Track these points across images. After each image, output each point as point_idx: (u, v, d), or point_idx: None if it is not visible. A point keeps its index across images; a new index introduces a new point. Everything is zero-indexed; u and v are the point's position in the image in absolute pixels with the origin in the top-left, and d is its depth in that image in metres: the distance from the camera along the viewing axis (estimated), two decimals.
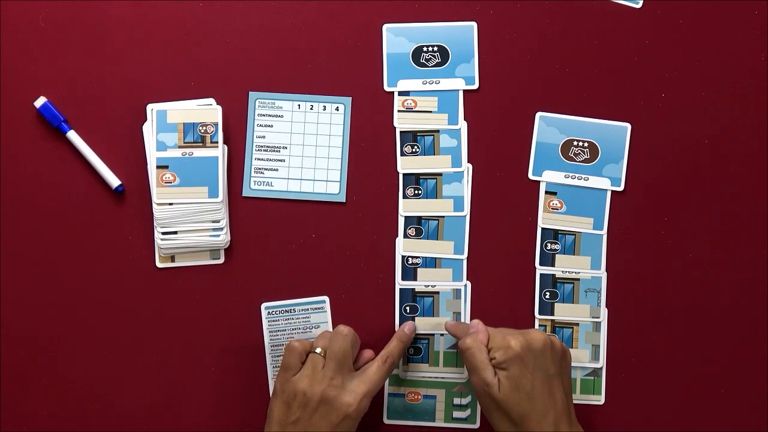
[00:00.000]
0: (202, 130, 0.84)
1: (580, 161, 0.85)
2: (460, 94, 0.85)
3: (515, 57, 0.86)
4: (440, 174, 0.85)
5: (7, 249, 0.84)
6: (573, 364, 0.81)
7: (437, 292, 0.85)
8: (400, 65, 0.86)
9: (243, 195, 0.85)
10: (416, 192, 0.85)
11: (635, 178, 0.85)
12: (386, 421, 0.85)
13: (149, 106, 0.84)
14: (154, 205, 0.83)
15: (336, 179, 0.85)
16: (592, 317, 0.85)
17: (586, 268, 0.85)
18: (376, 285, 0.85)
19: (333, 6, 0.86)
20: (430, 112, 0.85)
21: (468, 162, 0.85)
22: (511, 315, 0.85)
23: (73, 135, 0.84)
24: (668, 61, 0.85)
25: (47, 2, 0.85)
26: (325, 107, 0.85)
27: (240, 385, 0.84)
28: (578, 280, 0.85)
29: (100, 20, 0.85)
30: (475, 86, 0.85)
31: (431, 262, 0.85)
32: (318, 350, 0.78)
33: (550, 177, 0.85)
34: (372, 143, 0.85)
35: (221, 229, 0.83)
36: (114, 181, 0.84)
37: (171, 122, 0.84)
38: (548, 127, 0.85)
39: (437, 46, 0.85)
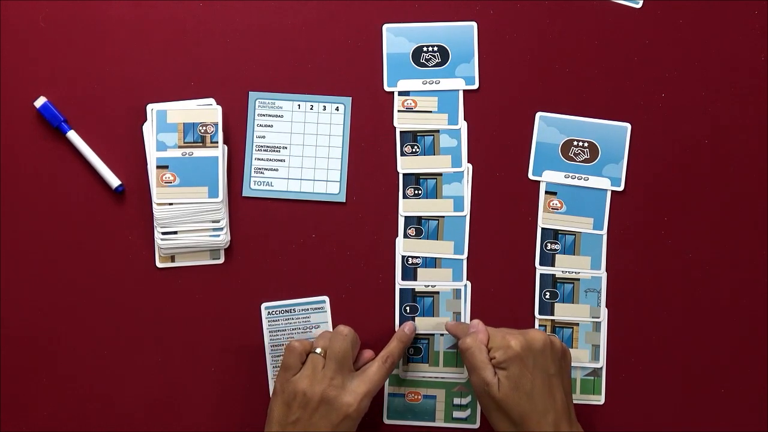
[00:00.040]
0: (202, 130, 0.84)
1: (580, 161, 0.85)
2: (460, 94, 0.85)
3: (515, 57, 0.86)
4: (440, 174, 0.85)
5: (7, 249, 0.84)
6: (573, 364, 0.81)
7: (437, 292, 0.85)
8: (400, 65, 0.86)
9: (243, 195, 0.85)
10: (416, 192, 0.85)
11: (635, 178, 0.85)
12: (386, 421, 0.85)
13: (149, 106, 0.84)
14: (154, 205, 0.83)
15: (336, 179, 0.85)
16: (592, 317, 0.85)
17: (586, 268, 0.85)
18: (376, 285, 0.85)
19: (333, 6, 0.86)
20: (430, 112, 0.85)
21: (468, 162, 0.85)
22: (511, 315, 0.85)
23: (73, 135, 0.84)
24: (668, 61, 0.85)
25: (47, 2, 0.85)
26: (325, 107, 0.85)
27: (240, 385, 0.84)
28: (578, 280, 0.85)
29: (100, 20, 0.85)
30: (475, 86, 0.85)
31: (431, 262, 0.85)
32: (318, 350, 0.78)
33: (550, 177, 0.85)
34: (372, 143, 0.85)
35: (221, 229, 0.83)
36: (114, 181, 0.84)
37: (171, 122, 0.84)
38: (548, 127, 0.85)
39: (437, 46, 0.85)
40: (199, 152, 0.83)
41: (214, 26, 0.85)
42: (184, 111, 0.84)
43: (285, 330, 0.84)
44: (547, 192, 0.85)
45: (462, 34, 0.85)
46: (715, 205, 0.85)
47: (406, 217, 0.85)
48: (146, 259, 0.85)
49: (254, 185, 0.85)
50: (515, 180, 0.85)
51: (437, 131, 0.85)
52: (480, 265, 0.85)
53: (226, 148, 0.85)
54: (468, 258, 0.85)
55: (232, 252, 0.85)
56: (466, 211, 0.85)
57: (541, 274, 0.85)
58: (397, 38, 0.86)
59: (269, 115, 0.85)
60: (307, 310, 0.85)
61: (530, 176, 0.85)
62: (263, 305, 0.85)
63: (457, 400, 0.84)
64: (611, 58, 0.85)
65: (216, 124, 0.84)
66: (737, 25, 0.85)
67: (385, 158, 0.85)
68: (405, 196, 0.85)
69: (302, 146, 0.85)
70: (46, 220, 0.84)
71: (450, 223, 0.85)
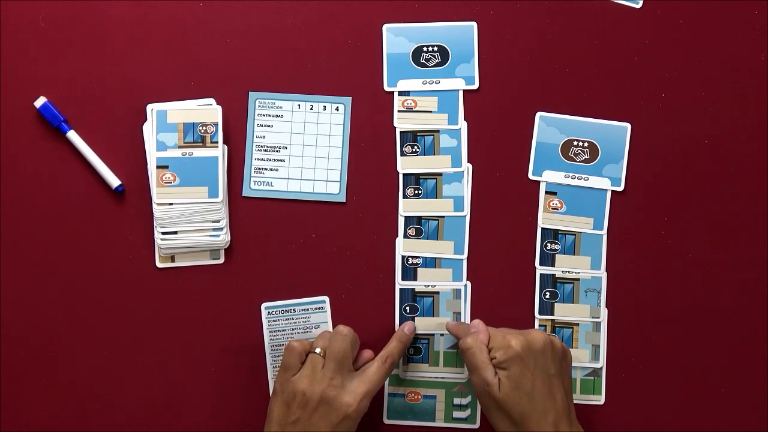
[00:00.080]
0: (202, 130, 0.84)
1: (580, 161, 0.85)
2: (460, 94, 0.85)
3: (515, 57, 0.86)
4: (440, 174, 0.85)
5: (7, 249, 0.84)
6: (573, 364, 0.81)
7: (437, 292, 0.85)
8: (400, 65, 0.86)
9: (243, 195, 0.85)
10: (416, 192, 0.85)
11: (635, 178, 0.85)
12: (386, 421, 0.85)
13: (149, 106, 0.84)
14: (154, 205, 0.83)
15: (336, 179, 0.85)
16: (592, 317, 0.85)
17: (586, 268, 0.85)
18: (376, 285, 0.85)
19: (333, 6, 0.86)
20: (430, 112, 0.85)
21: (468, 162, 0.85)
22: (511, 315, 0.85)
23: (73, 135, 0.84)
24: (668, 61, 0.85)
25: (47, 2, 0.85)
26: (325, 107, 0.85)
27: (240, 385, 0.84)
28: (578, 280, 0.85)
29: (100, 20, 0.85)
30: (475, 86, 0.85)
31: (431, 262, 0.85)
32: (318, 350, 0.78)
33: (550, 177, 0.85)
34: (372, 143, 0.85)
35: (221, 229, 0.83)
36: (114, 181, 0.84)
37: (171, 122, 0.84)
38: (548, 127, 0.85)
39: (437, 46, 0.85)
40: (199, 152, 0.83)
41: (214, 26, 0.85)
42: (184, 111, 0.84)
43: (285, 330, 0.84)
44: (547, 192, 0.85)
45: (462, 34, 0.85)
46: (715, 205, 0.85)
47: (406, 217, 0.85)
48: (146, 259, 0.85)
49: (254, 185, 0.85)
50: (515, 180, 0.85)
51: (437, 131, 0.85)
52: (480, 265, 0.85)
53: (226, 148, 0.85)
54: (468, 258, 0.85)
55: (232, 252, 0.85)
56: (466, 211, 0.85)
57: (541, 274, 0.85)
58: (397, 38, 0.86)
59: (269, 115, 0.85)
60: (307, 310, 0.85)
61: (530, 176, 0.85)
62: (263, 305, 0.85)
63: (457, 400, 0.84)
64: (611, 58, 0.85)
65: (216, 124, 0.84)
66: (737, 25, 0.85)
67: (385, 158, 0.85)
68: (405, 196, 0.85)
69: (302, 146, 0.85)
70: (46, 220, 0.84)
71: (450, 223, 0.85)
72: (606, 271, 0.85)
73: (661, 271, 0.85)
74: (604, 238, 0.85)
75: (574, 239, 0.85)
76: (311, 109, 0.85)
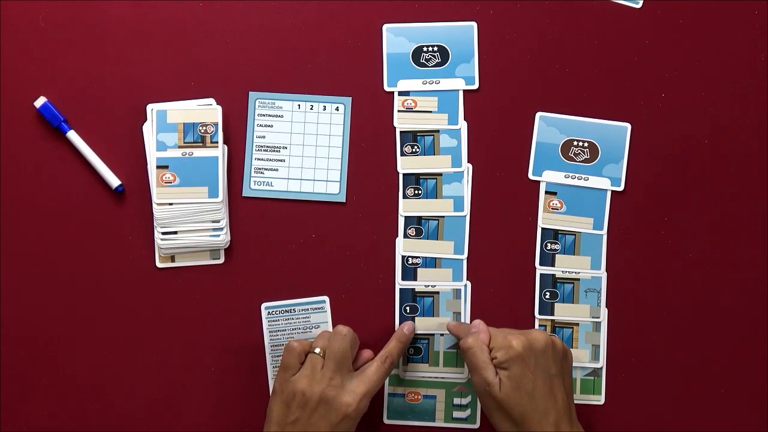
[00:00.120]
0: (202, 130, 0.84)
1: (580, 161, 0.85)
2: (460, 94, 0.85)
3: (515, 57, 0.86)
4: (440, 174, 0.85)
5: (7, 249, 0.84)
6: (573, 364, 0.81)
7: (437, 292, 0.85)
8: (400, 65, 0.86)
9: (243, 195, 0.85)
10: (416, 192, 0.85)
11: (635, 178, 0.85)
12: (386, 421, 0.85)
13: (149, 106, 0.84)
14: (154, 205, 0.83)
15: (336, 179, 0.85)
16: (592, 317, 0.85)
17: (586, 268, 0.85)
18: (376, 285, 0.85)
19: (333, 6, 0.86)
20: (430, 112, 0.85)
21: (468, 162, 0.85)
22: (511, 315, 0.85)
23: (73, 135, 0.84)
24: (668, 61, 0.85)
25: (47, 2, 0.85)
26: (325, 107, 0.85)
27: (240, 385, 0.84)
28: (578, 280, 0.85)
29: (100, 20, 0.85)
30: (475, 86, 0.85)
31: (431, 262, 0.85)
32: (317, 350, 0.78)
33: (550, 177, 0.85)
34: (372, 143, 0.85)
35: (221, 229, 0.83)
36: (114, 181, 0.84)
37: (171, 122, 0.84)
38: (548, 127, 0.85)
39: (437, 46, 0.85)
40: (199, 152, 0.83)
41: (214, 26, 0.85)
42: (184, 111, 0.84)
43: (285, 330, 0.84)
44: (547, 192, 0.85)
45: (462, 34, 0.85)
46: (715, 205, 0.85)
47: (406, 217, 0.85)
48: (146, 259, 0.85)
49: (254, 185, 0.85)
50: (515, 180, 0.85)
51: (437, 131, 0.85)
52: (480, 265, 0.85)
53: (226, 148, 0.85)
54: (468, 258, 0.85)
55: (232, 252, 0.85)
56: (466, 211, 0.85)
57: (541, 274, 0.85)
58: (397, 38, 0.86)
59: (269, 115, 0.85)
60: (307, 310, 0.85)
61: (530, 176, 0.85)
62: (263, 305, 0.85)
63: (457, 400, 0.84)
64: (611, 58, 0.85)
65: (216, 124, 0.84)
66: (737, 25, 0.85)
67: (385, 158, 0.85)
68: (405, 196, 0.85)
69: (302, 146, 0.85)
70: (46, 220, 0.84)
71: (450, 223, 0.85)
72: (606, 271, 0.85)
73: (661, 271, 0.85)
74: (604, 238, 0.85)
75: (574, 239, 0.85)
76: (311, 109, 0.85)
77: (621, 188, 0.85)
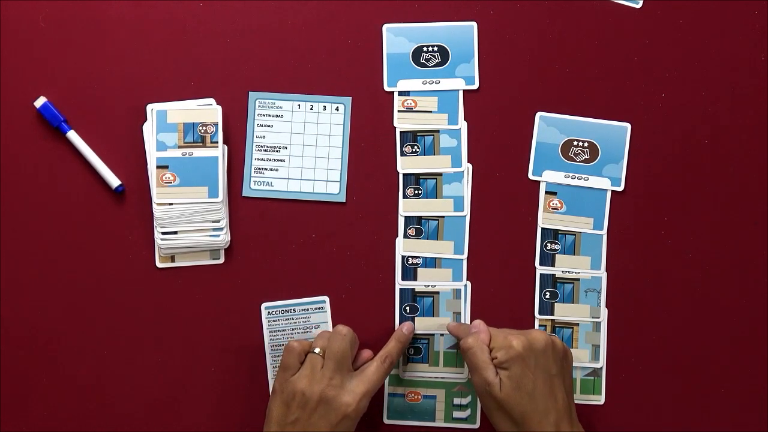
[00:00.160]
0: (202, 130, 0.84)
1: (580, 161, 0.85)
2: (460, 94, 0.85)
3: (515, 57, 0.86)
4: (440, 174, 0.85)
5: (7, 249, 0.84)
6: (573, 364, 0.81)
7: (437, 292, 0.85)
8: (400, 65, 0.86)
9: (243, 195, 0.85)
10: (416, 192, 0.85)
11: (635, 178, 0.85)
12: (386, 421, 0.85)
13: (149, 106, 0.84)
14: (154, 205, 0.83)
15: (336, 179, 0.85)
16: (592, 317, 0.85)
17: (586, 268, 0.85)
18: (376, 285, 0.85)
19: (333, 6, 0.86)
20: (430, 112, 0.85)
21: (468, 162, 0.85)
22: (511, 315, 0.85)
23: (73, 135, 0.84)
24: (668, 61, 0.85)
25: (47, 2, 0.85)
26: (325, 107, 0.85)
27: (240, 385, 0.84)
28: (578, 280, 0.85)
29: (100, 20, 0.85)
30: (475, 86, 0.85)
31: (431, 262, 0.85)
32: (317, 350, 0.78)
33: (550, 177, 0.85)
34: (372, 143, 0.85)
35: (221, 229, 0.83)
36: (114, 181, 0.84)
37: (171, 122, 0.84)
38: (548, 127, 0.85)
39: (437, 46, 0.86)
40: (199, 152, 0.83)
41: (214, 26, 0.85)
42: (184, 111, 0.84)
43: (285, 330, 0.84)
44: (547, 192, 0.85)
45: (462, 34, 0.85)
46: (715, 205, 0.85)
47: (406, 217, 0.85)
48: (146, 259, 0.85)
49: (254, 185, 0.85)
50: (515, 180, 0.85)
51: (437, 131, 0.85)
52: (480, 265, 0.85)
53: (226, 148, 0.85)
54: (468, 258, 0.85)
55: (232, 252, 0.85)
56: (466, 211, 0.85)
57: (541, 274, 0.85)
58: (397, 38, 0.86)
59: (269, 115, 0.85)
60: (307, 310, 0.85)
61: (530, 176, 0.85)
62: (263, 305, 0.85)
63: (457, 400, 0.84)
64: (611, 58, 0.85)
65: (216, 124, 0.84)
66: (737, 25, 0.85)
67: (385, 158, 0.85)
68: (405, 196, 0.85)
69: (302, 146, 0.85)
70: (46, 220, 0.84)
71: (450, 223, 0.85)
72: (606, 271, 0.85)
73: (661, 271, 0.85)
74: (604, 238, 0.85)
75: (574, 239, 0.85)
76: (311, 109, 0.85)
77: (621, 188, 0.85)
